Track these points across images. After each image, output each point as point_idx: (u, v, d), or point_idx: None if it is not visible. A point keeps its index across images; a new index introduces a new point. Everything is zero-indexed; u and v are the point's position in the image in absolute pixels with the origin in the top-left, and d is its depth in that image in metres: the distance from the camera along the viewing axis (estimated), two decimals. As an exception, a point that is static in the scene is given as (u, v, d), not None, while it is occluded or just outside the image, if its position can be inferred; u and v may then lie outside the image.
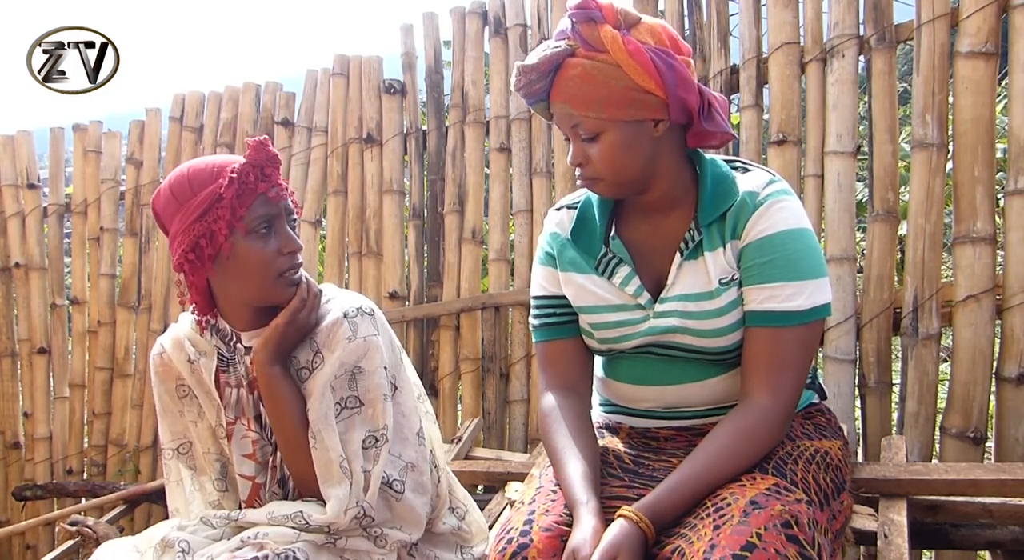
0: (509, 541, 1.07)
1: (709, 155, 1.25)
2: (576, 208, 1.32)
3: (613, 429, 1.36)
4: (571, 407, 1.26)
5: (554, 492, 1.18)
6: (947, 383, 1.99)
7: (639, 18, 1.16)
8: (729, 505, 1.04)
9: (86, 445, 3.40)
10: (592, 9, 1.13)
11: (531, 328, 1.37)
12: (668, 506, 1.07)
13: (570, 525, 1.09)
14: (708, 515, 1.04)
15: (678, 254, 1.21)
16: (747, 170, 1.23)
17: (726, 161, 1.25)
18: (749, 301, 1.18)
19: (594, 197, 1.30)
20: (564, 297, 1.31)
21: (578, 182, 1.23)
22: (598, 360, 1.37)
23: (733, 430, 1.13)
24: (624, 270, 1.25)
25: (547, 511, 1.12)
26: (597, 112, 1.13)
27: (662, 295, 1.22)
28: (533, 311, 1.36)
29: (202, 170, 1.18)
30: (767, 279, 1.16)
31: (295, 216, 1.24)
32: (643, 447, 1.31)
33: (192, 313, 1.29)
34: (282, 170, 3.02)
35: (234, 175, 1.16)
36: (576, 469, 1.14)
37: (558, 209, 1.35)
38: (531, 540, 1.06)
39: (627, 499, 1.13)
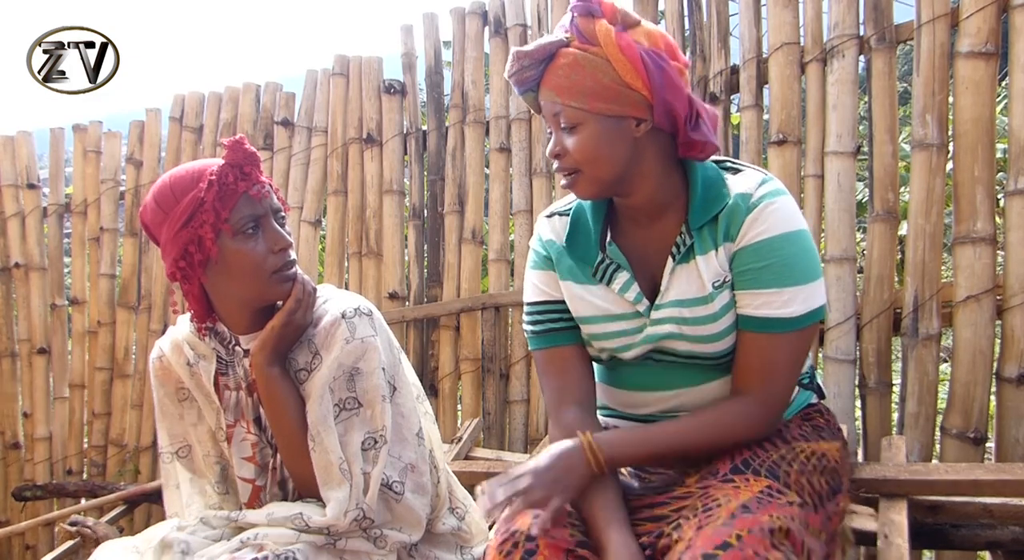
0: (515, 545, 1.06)
1: None
2: (568, 214, 1.30)
3: None
4: (592, 428, 1.23)
5: None
6: (947, 383, 1.99)
7: (639, 21, 1.16)
8: (719, 506, 1.04)
9: (86, 445, 3.40)
10: (593, 4, 1.14)
11: (529, 335, 1.32)
12: (623, 444, 1.15)
13: (573, 531, 1.09)
14: (695, 515, 1.04)
15: (670, 259, 1.21)
16: (738, 171, 1.22)
17: (716, 162, 1.24)
18: (743, 306, 1.17)
19: (586, 202, 1.29)
20: (564, 301, 1.29)
21: (561, 182, 1.22)
22: (597, 365, 1.36)
23: (712, 413, 1.18)
24: (623, 276, 1.24)
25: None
26: (580, 102, 1.13)
27: (657, 301, 1.22)
28: (531, 318, 1.32)
29: (183, 177, 1.17)
30: (762, 285, 1.15)
31: (283, 212, 1.23)
32: None
33: (191, 321, 1.28)
34: (282, 170, 3.05)
35: (213, 178, 1.15)
36: (606, 502, 1.13)
37: (549, 216, 1.33)
38: (536, 546, 1.05)
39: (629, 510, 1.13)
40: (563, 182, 1.21)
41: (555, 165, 1.21)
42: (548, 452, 1.13)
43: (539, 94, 1.18)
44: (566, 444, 1.13)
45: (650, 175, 1.19)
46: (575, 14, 1.15)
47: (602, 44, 1.12)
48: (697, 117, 1.16)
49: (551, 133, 1.20)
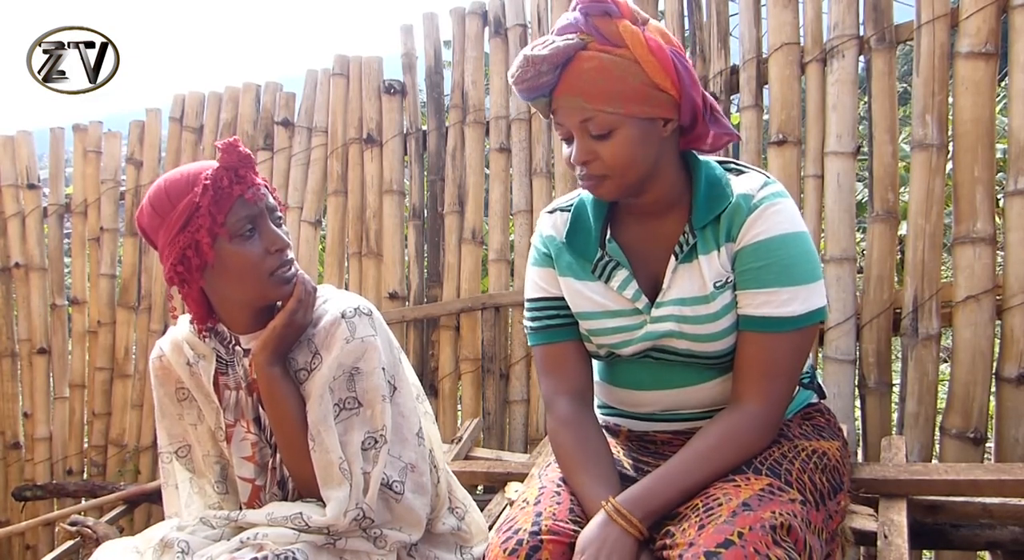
0: (519, 543, 1.06)
1: (703, 157, 1.24)
2: (570, 210, 1.30)
3: (612, 432, 1.36)
4: (588, 418, 1.25)
5: (557, 493, 1.18)
6: (947, 383, 1.99)
7: (647, 18, 1.16)
8: (720, 505, 1.04)
9: (86, 445, 3.40)
10: (608, 4, 1.12)
11: (528, 331, 1.34)
12: (652, 496, 1.08)
13: (576, 527, 1.09)
14: (697, 515, 1.05)
15: (673, 258, 1.21)
16: (741, 172, 1.22)
17: (720, 163, 1.24)
18: (744, 305, 1.18)
19: (588, 199, 1.28)
20: (563, 298, 1.30)
21: (581, 183, 1.19)
22: (596, 363, 1.36)
23: (722, 432, 1.14)
24: (622, 273, 1.24)
25: (553, 514, 1.12)
26: (614, 107, 1.11)
27: (658, 299, 1.22)
28: (530, 314, 1.33)
29: (178, 181, 1.17)
30: (762, 284, 1.15)
31: (279, 213, 1.23)
32: (642, 451, 1.31)
33: (191, 323, 1.29)
34: (282, 170, 3.05)
35: (208, 182, 1.14)
36: (599, 481, 1.15)
37: (551, 211, 1.33)
38: (541, 542, 1.06)
39: None
40: (586, 184, 1.18)
41: (580, 171, 1.17)
42: (588, 541, 1.04)
43: (557, 100, 1.14)
44: (600, 520, 1.06)
45: (665, 174, 1.19)
46: (589, 15, 1.12)
47: (629, 45, 1.10)
48: (712, 109, 1.16)
49: (565, 141, 1.18)
